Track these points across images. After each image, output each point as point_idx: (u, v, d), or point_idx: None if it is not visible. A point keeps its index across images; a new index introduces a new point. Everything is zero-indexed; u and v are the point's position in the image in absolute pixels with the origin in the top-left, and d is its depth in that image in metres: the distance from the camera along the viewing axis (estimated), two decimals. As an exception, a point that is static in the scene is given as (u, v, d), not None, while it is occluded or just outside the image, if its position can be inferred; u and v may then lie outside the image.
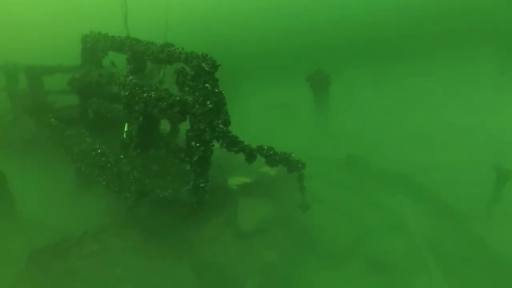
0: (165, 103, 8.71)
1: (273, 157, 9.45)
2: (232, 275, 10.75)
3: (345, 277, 11.56)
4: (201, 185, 8.40)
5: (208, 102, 8.28)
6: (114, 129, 11.13)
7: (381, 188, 15.64)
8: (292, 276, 11.16)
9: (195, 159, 8.36)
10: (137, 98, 9.25)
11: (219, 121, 8.76)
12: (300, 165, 10.02)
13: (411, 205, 14.14)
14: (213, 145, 8.83)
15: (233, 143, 8.90)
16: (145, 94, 9.00)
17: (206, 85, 8.27)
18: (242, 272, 10.81)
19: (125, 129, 10.55)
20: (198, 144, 8.34)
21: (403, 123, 22.61)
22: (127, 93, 9.53)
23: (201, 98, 8.27)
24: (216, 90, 8.51)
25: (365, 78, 31.64)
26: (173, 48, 9.36)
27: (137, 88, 9.30)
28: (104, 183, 9.66)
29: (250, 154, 9.26)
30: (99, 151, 10.38)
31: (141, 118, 9.47)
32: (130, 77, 9.96)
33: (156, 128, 10.04)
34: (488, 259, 10.65)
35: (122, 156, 10.43)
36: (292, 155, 9.87)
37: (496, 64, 24.81)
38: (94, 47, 12.41)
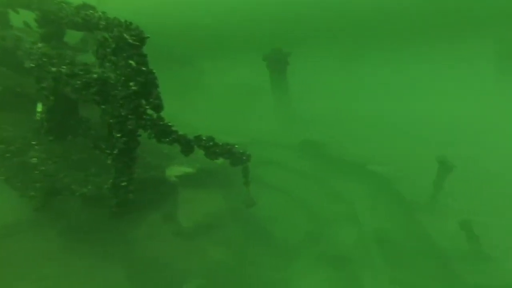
0: (79, 81, 7.08)
1: (212, 149, 8.29)
2: (169, 276, 9.71)
3: (296, 273, 11.08)
4: (122, 184, 7.04)
5: (131, 83, 6.82)
6: (25, 108, 9.20)
7: (337, 176, 15.25)
8: (239, 275, 10.39)
9: (115, 152, 6.95)
10: (45, 72, 7.48)
11: (147, 107, 7.39)
12: (244, 158, 9.01)
13: (365, 195, 13.88)
14: (140, 135, 7.45)
15: (164, 133, 7.57)
16: (54, 68, 7.26)
17: (130, 61, 6.78)
18: (181, 273, 9.81)
19: (38, 109, 8.71)
20: (119, 135, 6.91)
21: (362, 110, 22.47)
22: (33, 65, 7.69)
23: (123, 78, 6.79)
24: (144, 69, 7.05)
25: (327, 61, 31.04)
26: (91, 11, 7.62)
27: (45, 59, 7.49)
28: (2, 177, 7.86)
29: (186, 146, 8.03)
30: (-3, 134, 8.47)
31: (51, 98, 7.75)
32: (39, 44, 8.06)
33: (74, 111, 8.37)
34: (430, 250, 10.62)
35: (34, 143, 8.63)
36: (236, 146, 8.79)
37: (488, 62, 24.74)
38: (-2, 1, 10.08)
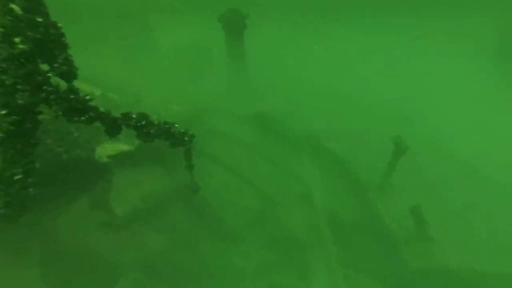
0: None
1: (146, 129, 6.67)
2: (99, 271, 8.33)
3: (242, 257, 10.36)
4: (15, 177, 5.24)
5: (17, 40, 4.80)
6: None
7: (290, 152, 14.49)
8: (180, 265, 9.33)
9: (1, 135, 5.05)
10: None
11: (50, 74, 5.44)
12: (187, 138, 7.54)
13: (318, 173, 13.33)
14: (40, 113, 5.55)
15: (77, 111, 5.75)
16: None
17: (12, 5, 4.70)
18: (114, 266, 8.46)
19: None
20: (4, 112, 4.98)
21: (319, 82, 21.53)
22: None
23: (3, 30, 4.73)
24: (39, 20, 5.01)
25: (287, 26, 29.12)
26: None
27: None
28: None
29: (111, 126, 6.31)
30: None
31: None
32: None
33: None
34: (380, 232, 10.48)
35: None
36: (176, 125, 7.23)
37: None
38: None
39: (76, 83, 6.45)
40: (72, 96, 5.70)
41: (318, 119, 16.43)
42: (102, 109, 6.20)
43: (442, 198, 10.98)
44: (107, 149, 9.24)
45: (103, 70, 19.39)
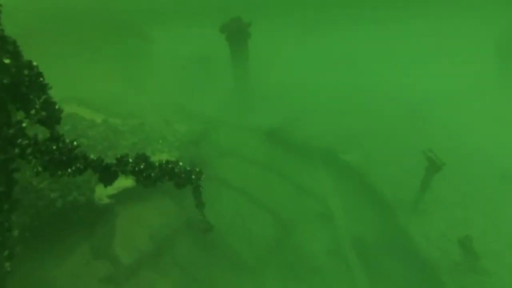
0: None
1: (145, 173, 5.66)
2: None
3: (262, 289, 9.32)
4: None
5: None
6: None
7: (304, 166, 13.36)
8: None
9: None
10: None
11: (26, 123, 4.49)
12: (194, 176, 6.52)
13: (336, 189, 12.17)
14: (16, 171, 4.58)
15: (61, 163, 4.76)
16: None
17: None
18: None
19: None
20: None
21: (328, 85, 20.32)
22: None
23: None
24: (6, 61, 4.05)
25: (289, 29, 27.99)
26: None
27: None
28: None
29: (106, 173, 5.34)
30: None
31: None
32: None
33: None
34: (414, 256, 9.26)
35: None
36: (180, 163, 6.22)
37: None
38: None
39: (78, 110, 5.50)
40: (54, 147, 4.71)
41: (331, 125, 15.26)
42: (92, 156, 5.20)
43: (488, 216, 9.63)
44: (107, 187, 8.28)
45: (106, 89, 18.66)
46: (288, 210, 11.25)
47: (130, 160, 5.47)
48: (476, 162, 11.77)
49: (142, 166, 5.58)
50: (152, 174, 5.72)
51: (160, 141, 11.33)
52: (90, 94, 15.97)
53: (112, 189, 8.16)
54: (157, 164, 5.87)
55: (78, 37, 24.40)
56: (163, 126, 13.51)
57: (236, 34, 16.77)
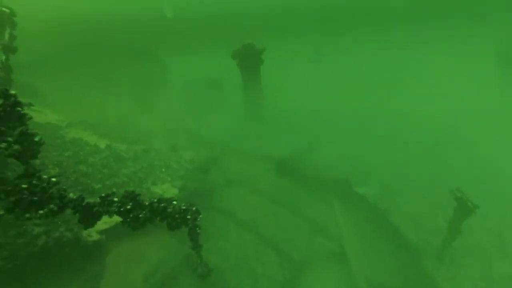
0: None
1: (134, 215, 4.92)
2: None
3: None
4: None
5: None
6: None
7: (317, 199, 12.35)
8: None
9: None
10: None
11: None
12: (190, 216, 5.73)
13: (351, 226, 11.04)
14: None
15: (32, 204, 4.10)
16: None
17: None
18: None
19: None
20: None
21: (344, 113, 19.53)
22: None
23: None
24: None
25: (300, 55, 27.74)
26: None
27: None
28: None
29: (87, 215, 4.64)
30: None
31: None
32: None
33: None
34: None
35: None
36: (174, 202, 5.47)
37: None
38: None
39: (83, 134, 4.93)
40: (25, 185, 4.06)
41: (346, 155, 14.29)
42: (72, 195, 4.51)
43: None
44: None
45: (118, 114, 18.55)
46: (298, 249, 10.16)
47: (116, 199, 4.75)
48: (506, 198, 10.45)
49: (129, 206, 4.85)
50: (140, 215, 4.97)
51: (164, 170, 10.70)
52: (100, 119, 15.78)
53: (103, 224, 7.44)
54: (147, 203, 5.13)
55: (94, 63, 24.92)
56: (169, 153, 12.95)
57: (248, 60, 16.50)
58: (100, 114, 16.41)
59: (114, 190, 7.96)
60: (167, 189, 9.36)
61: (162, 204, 5.25)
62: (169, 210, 5.32)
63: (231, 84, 21.34)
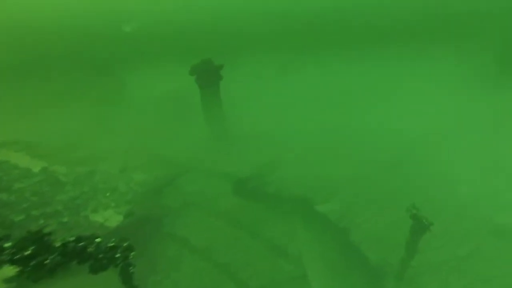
0: None
1: (38, 261, 3.92)
2: None
3: None
4: None
5: None
6: None
7: (278, 220, 11.68)
8: None
9: None
10: None
11: None
12: (120, 254, 4.80)
13: (314, 247, 10.51)
14: None
15: None
16: None
17: None
18: None
19: None
20: None
21: (309, 130, 19.36)
22: None
23: None
24: None
25: (263, 71, 27.71)
26: None
27: None
28: None
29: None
30: None
31: None
32: None
33: None
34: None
35: None
36: (97, 239, 4.54)
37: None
38: None
39: (13, 156, 3.92)
40: None
41: (310, 172, 13.90)
42: None
43: (488, 283, 8.15)
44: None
45: (62, 132, 16.86)
46: (257, 274, 9.39)
47: (8, 245, 3.73)
48: (467, 217, 10.51)
49: (29, 251, 3.85)
50: (47, 261, 3.98)
51: (108, 194, 9.52)
52: (42, 138, 14.19)
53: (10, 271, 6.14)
54: (58, 244, 4.15)
55: (45, 77, 23.09)
56: (118, 175, 11.73)
57: (207, 76, 15.89)
58: (44, 133, 14.78)
59: (41, 221, 6.76)
60: (109, 217, 8.23)
61: (81, 244, 4.29)
62: (89, 250, 4.37)
63: (195, 101, 20.55)
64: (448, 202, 11.10)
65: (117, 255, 4.72)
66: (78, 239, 4.27)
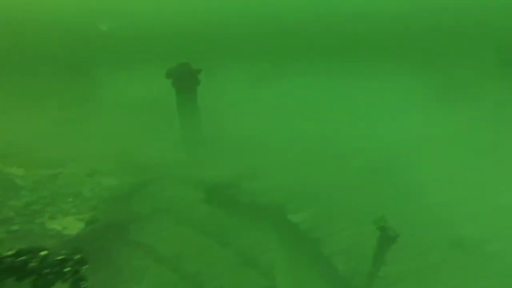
0: None
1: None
2: None
3: None
4: None
5: None
6: None
7: (251, 229, 11.43)
8: None
9: None
10: None
11: None
12: (70, 268, 4.39)
13: (285, 257, 10.35)
14: None
15: None
16: None
17: None
18: None
19: None
20: None
21: (284, 136, 19.39)
22: None
23: None
24: None
25: (244, 76, 27.64)
26: None
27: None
28: None
29: None
30: None
31: None
32: None
33: None
34: None
35: None
36: (43, 252, 4.12)
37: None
38: None
39: None
40: None
41: (286, 180, 13.82)
42: None
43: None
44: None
45: (27, 132, 15.87)
46: (226, 286, 9.09)
47: None
48: (432, 228, 10.79)
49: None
50: None
51: (71, 199, 8.91)
52: (3, 137, 13.26)
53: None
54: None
55: (16, 75, 21.94)
56: (84, 179, 11.08)
57: (184, 80, 15.55)
58: (3, 133, 13.82)
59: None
60: (69, 224, 7.67)
61: (21, 258, 3.85)
62: (32, 265, 3.93)
63: (170, 104, 20.03)
64: (416, 213, 11.37)
65: (67, 269, 4.29)
66: (18, 253, 3.82)
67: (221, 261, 9.76)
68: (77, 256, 4.51)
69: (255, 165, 15.50)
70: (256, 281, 9.44)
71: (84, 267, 4.57)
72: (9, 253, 3.76)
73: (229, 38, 25.01)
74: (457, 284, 8.80)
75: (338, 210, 11.67)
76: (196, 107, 16.56)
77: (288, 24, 25.98)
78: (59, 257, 4.29)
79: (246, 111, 23.57)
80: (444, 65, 23.45)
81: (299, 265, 9.94)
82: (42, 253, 4.09)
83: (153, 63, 23.71)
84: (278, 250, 10.51)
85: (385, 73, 23.66)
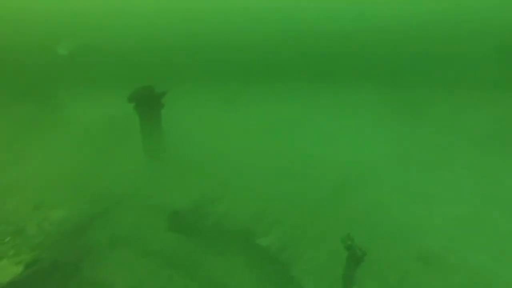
0: None
1: None
2: None
3: None
4: None
5: None
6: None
7: (219, 257, 10.76)
8: None
9: None
10: None
11: None
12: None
13: (254, 285, 9.80)
14: None
15: None
16: None
17: None
18: None
19: None
20: None
21: (249, 158, 19.16)
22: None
23: None
24: None
25: (211, 98, 27.41)
26: None
27: None
28: None
29: None
30: None
31: None
32: None
33: None
34: None
35: None
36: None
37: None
38: None
39: None
40: None
41: (250, 201, 13.45)
42: None
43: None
44: None
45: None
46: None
47: None
48: (397, 244, 10.88)
49: None
50: None
51: (8, 238, 7.85)
52: None
53: None
54: None
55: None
56: (29, 213, 9.93)
57: (147, 104, 15.02)
58: None
59: None
60: (1, 269, 6.64)
61: None
62: None
63: (131, 129, 19.17)
64: (383, 229, 11.48)
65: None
66: None
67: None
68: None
69: (220, 188, 15.00)
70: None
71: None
72: None
73: (194, 60, 24.99)
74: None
75: (306, 230, 11.47)
76: (159, 131, 15.97)
77: (253, 46, 26.57)
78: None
79: (211, 134, 23.16)
80: (402, 84, 24.99)
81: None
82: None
83: (116, 86, 22.88)
84: (247, 277, 9.97)
85: (350, 92, 24.58)
